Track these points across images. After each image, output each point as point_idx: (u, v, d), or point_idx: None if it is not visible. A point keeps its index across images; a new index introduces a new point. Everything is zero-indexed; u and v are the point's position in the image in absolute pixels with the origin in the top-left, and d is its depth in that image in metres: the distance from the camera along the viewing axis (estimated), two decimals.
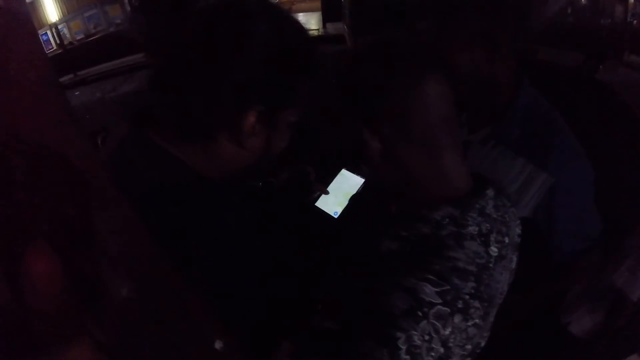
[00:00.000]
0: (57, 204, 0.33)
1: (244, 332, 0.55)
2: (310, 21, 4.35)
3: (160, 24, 0.65)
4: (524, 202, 1.00)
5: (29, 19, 0.35)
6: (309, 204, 0.97)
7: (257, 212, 0.86)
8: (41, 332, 0.35)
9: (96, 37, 2.97)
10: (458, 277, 0.61)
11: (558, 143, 1.01)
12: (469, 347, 0.64)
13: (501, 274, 0.69)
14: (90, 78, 2.58)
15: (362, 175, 0.99)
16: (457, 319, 0.60)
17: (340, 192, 0.98)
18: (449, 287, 0.60)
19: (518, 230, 0.76)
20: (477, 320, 0.63)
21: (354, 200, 0.94)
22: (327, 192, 0.97)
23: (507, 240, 0.71)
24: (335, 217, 0.95)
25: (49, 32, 3.18)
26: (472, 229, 0.66)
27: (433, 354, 0.59)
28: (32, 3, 3.02)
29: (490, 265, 0.66)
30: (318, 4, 4.41)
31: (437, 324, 0.59)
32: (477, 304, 0.62)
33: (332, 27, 3.81)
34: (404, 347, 0.57)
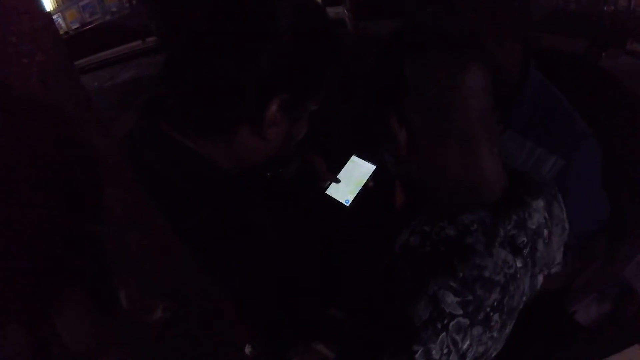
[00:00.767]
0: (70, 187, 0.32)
1: (265, 326, 0.54)
2: None
3: (176, 7, 0.61)
4: None
5: None
6: (319, 192, 0.95)
7: (271, 203, 0.84)
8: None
9: (92, 26, 2.93)
10: (482, 287, 0.56)
11: (566, 126, 1.00)
12: (481, 359, 0.61)
13: (526, 282, 0.64)
14: (87, 67, 2.55)
15: (373, 162, 0.98)
16: (476, 331, 0.57)
17: (351, 179, 0.97)
18: (471, 298, 0.55)
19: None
20: (494, 333, 0.59)
21: (366, 188, 0.93)
22: (337, 181, 0.95)
23: (540, 248, 0.65)
24: (347, 205, 0.93)
25: None
26: (503, 237, 0.60)
27: None
28: None
29: (519, 275, 0.60)
30: None
31: (457, 337, 0.56)
32: (497, 317, 0.57)
33: (332, 11, 3.77)
34: None
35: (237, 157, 0.68)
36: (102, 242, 0.37)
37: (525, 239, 0.62)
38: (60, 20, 3.20)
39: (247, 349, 0.52)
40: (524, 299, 0.65)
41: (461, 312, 0.55)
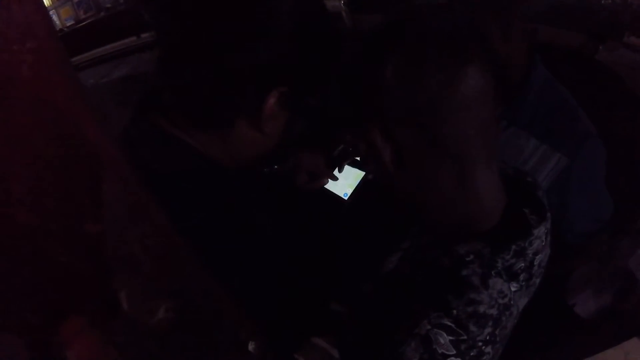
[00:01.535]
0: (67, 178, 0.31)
1: (268, 324, 0.53)
2: None
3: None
4: None
5: None
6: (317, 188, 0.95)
7: (270, 198, 0.83)
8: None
9: (87, 22, 2.90)
10: (476, 323, 0.53)
11: (571, 124, 1.00)
12: None
13: (520, 304, 0.62)
14: (82, 64, 2.53)
15: None
16: None
17: (350, 173, 0.97)
18: (465, 337, 0.53)
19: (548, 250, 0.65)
20: None
21: (365, 181, 0.93)
22: (335, 179, 0.95)
23: (535, 273, 0.62)
24: (346, 198, 0.93)
25: None
26: (500, 267, 0.57)
27: None
28: None
29: (512, 302, 0.57)
30: None
31: None
32: (489, 349, 0.55)
33: (329, 4, 3.73)
34: None
35: (235, 151, 0.68)
36: (100, 241, 0.36)
37: (523, 264, 0.59)
38: (54, 17, 3.17)
39: (251, 346, 0.52)
40: (516, 321, 0.62)
41: (454, 351, 0.52)
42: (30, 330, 0.31)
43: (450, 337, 0.52)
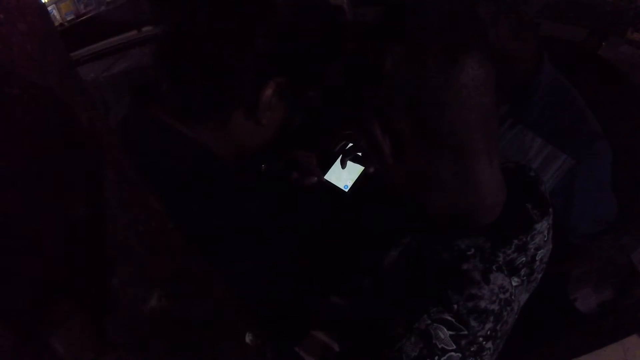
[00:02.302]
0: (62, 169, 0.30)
1: (268, 317, 0.53)
2: None
3: None
4: None
5: None
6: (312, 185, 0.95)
7: (269, 190, 0.83)
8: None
9: (87, 17, 2.90)
10: (477, 318, 0.53)
11: (578, 125, 0.99)
12: None
13: (521, 300, 0.61)
14: (82, 59, 2.52)
15: None
16: None
17: (351, 164, 0.96)
18: (466, 332, 0.52)
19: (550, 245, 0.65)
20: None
21: (366, 173, 0.92)
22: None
23: (536, 269, 0.62)
24: (346, 190, 0.93)
25: None
26: (502, 261, 0.56)
27: None
28: None
29: (513, 297, 0.57)
30: None
31: None
32: (490, 344, 0.54)
33: None
34: None
35: (232, 142, 0.67)
36: (93, 228, 0.36)
37: (524, 259, 0.59)
38: (54, 12, 3.16)
39: (248, 337, 0.51)
40: (517, 316, 0.62)
41: (454, 346, 0.51)
42: (16, 315, 0.30)
43: (451, 332, 0.51)
